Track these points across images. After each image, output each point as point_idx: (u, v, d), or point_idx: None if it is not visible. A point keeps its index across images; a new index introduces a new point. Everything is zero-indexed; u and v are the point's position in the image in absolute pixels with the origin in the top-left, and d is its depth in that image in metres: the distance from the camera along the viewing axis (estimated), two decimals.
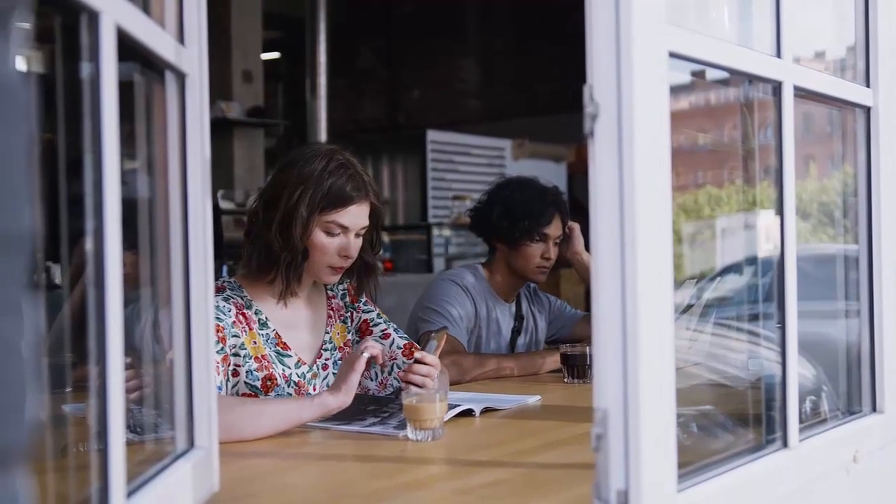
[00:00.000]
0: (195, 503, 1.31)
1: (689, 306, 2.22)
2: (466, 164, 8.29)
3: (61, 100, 1.07)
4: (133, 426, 1.29)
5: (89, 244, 0.99)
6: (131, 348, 1.15)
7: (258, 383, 2.12)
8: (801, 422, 1.52)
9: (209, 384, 1.38)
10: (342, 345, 2.33)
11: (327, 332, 2.31)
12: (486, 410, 2.16)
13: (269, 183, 2.22)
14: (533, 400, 2.32)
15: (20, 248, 0.53)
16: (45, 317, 0.72)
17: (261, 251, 2.17)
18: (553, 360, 2.80)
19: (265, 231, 2.15)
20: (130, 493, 1.08)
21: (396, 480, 1.58)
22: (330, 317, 2.33)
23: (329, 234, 2.16)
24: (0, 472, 0.51)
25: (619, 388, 1.15)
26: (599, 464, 1.16)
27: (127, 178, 1.09)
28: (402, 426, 1.88)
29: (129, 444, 1.05)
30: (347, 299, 2.38)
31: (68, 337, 1.53)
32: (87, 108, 0.99)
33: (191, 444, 1.35)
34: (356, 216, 2.18)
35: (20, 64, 0.54)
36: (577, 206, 3.22)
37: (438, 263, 7.36)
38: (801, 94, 1.55)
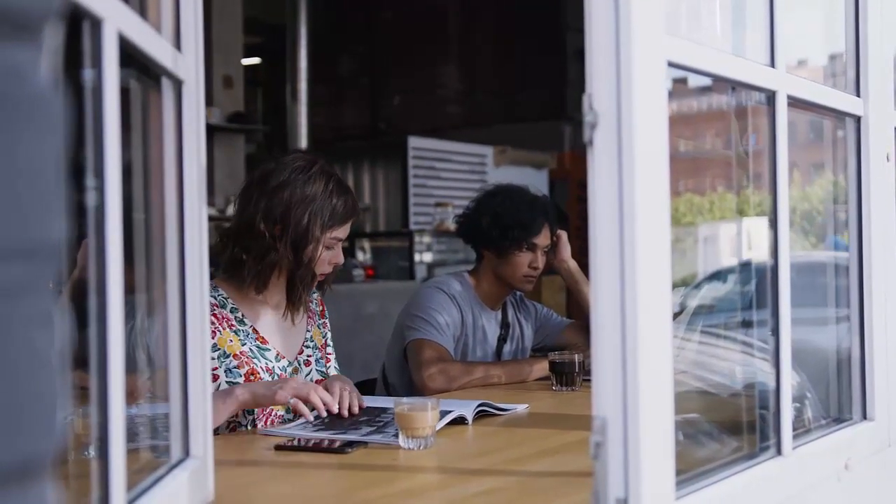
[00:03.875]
0: None
1: (676, 314, 2.22)
2: (448, 170, 8.28)
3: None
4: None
5: (91, 251, 0.98)
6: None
7: (241, 379, 2.18)
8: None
9: (204, 394, 1.37)
10: (321, 345, 2.43)
11: (308, 331, 2.40)
12: (481, 413, 2.17)
13: (265, 200, 2.22)
14: (522, 408, 2.32)
15: (51, 258, 0.53)
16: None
17: (268, 268, 2.22)
18: (541, 368, 2.80)
19: (270, 249, 2.18)
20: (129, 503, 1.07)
21: (392, 489, 1.58)
22: (310, 318, 2.42)
23: (328, 248, 2.27)
24: (32, 481, 0.51)
25: (618, 396, 1.15)
26: (598, 472, 1.16)
27: (122, 185, 1.08)
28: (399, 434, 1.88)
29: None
30: (319, 308, 2.49)
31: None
32: (88, 114, 0.98)
33: (186, 453, 1.34)
34: (349, 228, 2.32)
35: (51, 74, 0.53)
36: (560, 214, 3.23)
37: (420, 270, 7.34)
38: (793, 103, 1.56)
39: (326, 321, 2.49)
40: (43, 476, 0.52)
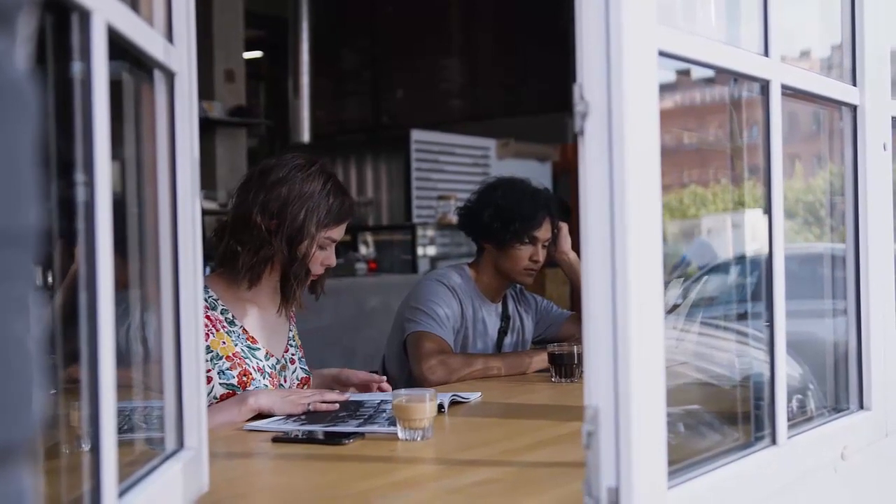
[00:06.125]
0: (185, 503, 1.31)
1: (676, 306, 2.22)
2: (451, 163, 8.27)
3: (49, 98, 1.06)
4: (121, 427, 1.28)
5: (81, 246, 0.98)
6: (118, 350, 1.15)
7: (234, 381, 2.19)
8: (788, 420, 1.53)
9: (199, 385, 1.37)
10: (299, 345, 2.47)
11: (291, 331, 2.44)
12: (454, 403, 2.22)
13: (263, 194, 2.24)
14: (474, 397, 2.34)
15: (26, 246, 0.53)
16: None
17: (262, 262, 2.24)
18: (540, 360, 2.80)
19: (265, 243, 2.20)
20: (121, 494, 1.07)
21: (387, 480, 1.58)
22: (292, 318, 2.46)
23: (321, 248, 2.29)
24: (8, 468, 0.51)
25: (610, 385, 1.15)
26: (590, 461, 1.16)
27: (113, 179, 1.08)
28: (393, 423, 1.88)
29: (119, 444, 1.05)
30: (294, 309, 2.51)
31: (57, 337, 1.52)
32: (77, 107, 0.99)
33: (180, 444, 1.35)
34: (343, 230, 2.35)
35: (25, 63, 0.54)
36: (562, 206, 3.22)
37: (423, 264, 7.35)
38: (789, 92, 1.56)
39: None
40: (19, 461, 0.52)
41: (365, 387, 2.40)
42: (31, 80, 0.54)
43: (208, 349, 2.17)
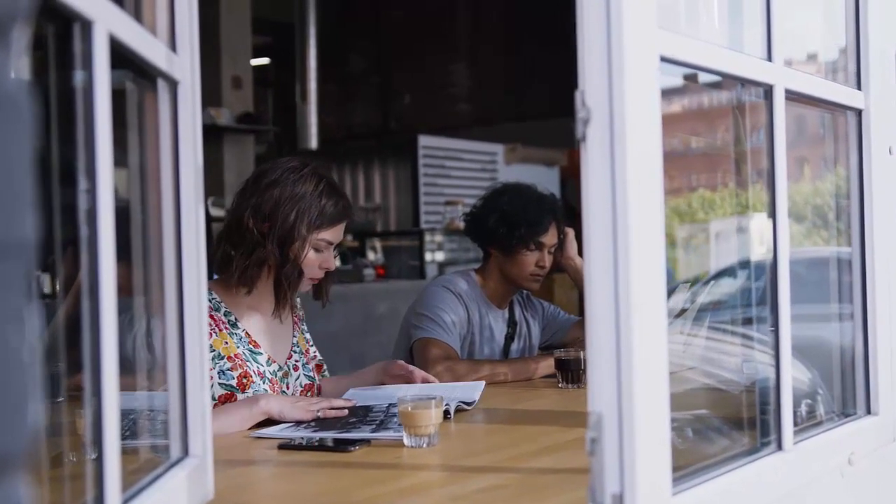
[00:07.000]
0: None
1: (683, 310, 2.22)
2: (458, 169, 8.28)
3: (52, 107, 1.07)
4: (125, 433, 1.29)
5: (83, 254, 0.98)
6: (124, 358, 1.15)
7: (234, 382, 2.20)
8: (796, 425, 1.52)
9: (203, 393, 1.37)
10: (305, 351, 2.46)
11: (294, 336, 2.43)
12: (459, 410, 2.20)
13: (256, 197, 2.26)
14: (479, 389, 2.35)
15: (22, 256, 0.54)
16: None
17: (255, 265, 2.24)
18: (547, 365, 2.80)
19: (258, 246, 2.21)
20: (125, 502, 1.07)
21: (392, 487, 1.58)
22: (295, 324, 2.45)
23: (317, 250, 2.28)
24: (4, 478, 0.51)
25: (613, 391, 1.15)
26: (594, 467, 1.16)
27: (118, 187, 1.08)
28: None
29: (123, 452, 1.05)
30: (301, 313, 2.52)
31: (61, 346, 1.53)
32: (79, 116, 0.99)
33: (185, 452, 1.35)
34: (341, 232, 2.33)
35: (21, 73, 0.54)
36: (569, 211, 3.21)
37: (431, 269, 7.34)
38: (793, 97, 1.56)
39: (305, 326, 2.53)
40: (14, 472, 0.52)
41: (405, 378, 2.42)
42: (28, 92, 0.55)
43: (210, 348, 2.17)
